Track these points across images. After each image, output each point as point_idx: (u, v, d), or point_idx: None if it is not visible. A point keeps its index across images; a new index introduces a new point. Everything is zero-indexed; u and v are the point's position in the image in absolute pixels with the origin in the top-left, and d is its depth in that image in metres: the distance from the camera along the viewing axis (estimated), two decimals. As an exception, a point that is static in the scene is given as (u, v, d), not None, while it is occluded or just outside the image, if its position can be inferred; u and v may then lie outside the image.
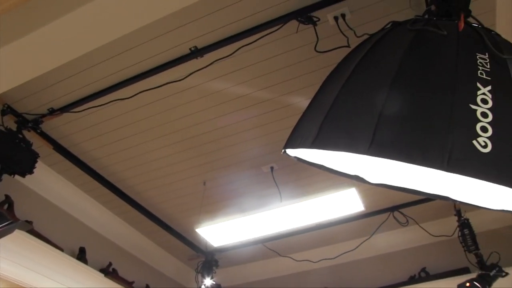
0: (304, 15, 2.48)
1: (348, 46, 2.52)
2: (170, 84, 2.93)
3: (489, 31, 1.32)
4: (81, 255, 3.74)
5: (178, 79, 2.90)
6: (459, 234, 3.63)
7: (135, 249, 4.61)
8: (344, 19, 2.53)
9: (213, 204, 4.08)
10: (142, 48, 2.73)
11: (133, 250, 4.59)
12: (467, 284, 3.53)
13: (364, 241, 4.50)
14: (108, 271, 3.90)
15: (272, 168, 3.71)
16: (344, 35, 2.53)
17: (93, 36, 2.50)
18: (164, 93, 3.05)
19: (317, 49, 2.61)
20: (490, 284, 3.52)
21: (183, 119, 3.28)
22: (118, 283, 3.94)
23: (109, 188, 3.85)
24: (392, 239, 4.64)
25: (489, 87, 1.09)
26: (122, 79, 2.93)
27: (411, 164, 0.99)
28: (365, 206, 3.46)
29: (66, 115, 3.16)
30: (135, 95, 2.99)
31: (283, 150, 1.30)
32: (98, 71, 2.87)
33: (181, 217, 4.32)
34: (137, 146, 3.50)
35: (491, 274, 3.51)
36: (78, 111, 3.11)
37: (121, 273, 4.05)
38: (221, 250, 4.35)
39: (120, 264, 4.15)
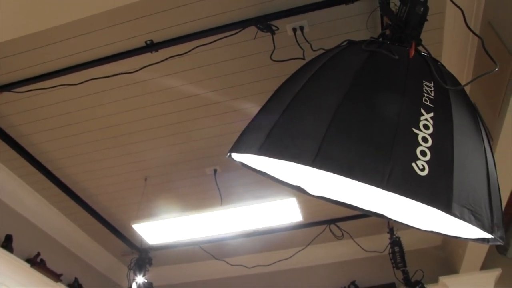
0: (263, 23, 2.51)
1: (303, 59, 2.56)
2: (122, 75, 2.86)
3: (436, 61, 1.39)
4: (6, 243, 3.55)
5: (130, 71, 2.84)
6: (390, 251, 3.78)
7: (67, 241, 4.45)
8: (302, 32, 2.58)
9: (152, 201, 4.02)
10: (97, 34, 2.64)
11: (64, 241, 4.42)
12: (393, 299, 3.67)
13: (299, 251, 4.58)
14: (35, 262, 3.72)
15: (215, 170, 3.70)
16: (301, 47, 2.58)
17: (44, 16, 2.39)
18: (114, 84, 2.98)
19: (272, 57, 2.64)
20: (413, 300, 3.69)
21: (129, 112, 3.21)
22: (45, 275, 3.78)
23: (45, 175, 3.69)
24: (326, 251, 4.74)
25: (431, 114, 1.14)
26: (72, 64, 2.83)
27: (352, 180, 1.02)
28: (304, 217, 3.52)
29: (6, 94, 3.00)
30: (84, 82, 2.90)
31: (228, 154, 1.30)
32: (47, 52, 2.75)
33: (118, 211, 4.22)
34: (79, 135, 3.39)
35: (414, 290, 3.68)
36: (20, 92, 2.97)
37: (49, 264, 3.88)
38: (156, 248, 4.28)
39: (49, 255, 3.98)
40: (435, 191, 1.04)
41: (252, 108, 3.09)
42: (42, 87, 2.93)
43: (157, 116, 3.24)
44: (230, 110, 3.19)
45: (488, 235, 1.20)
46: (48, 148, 3.50)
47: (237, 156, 1.32)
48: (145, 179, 3.81)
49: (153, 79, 2.96)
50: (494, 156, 1.33)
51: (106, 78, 2.88)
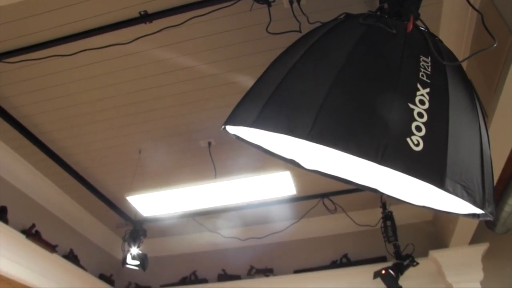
0: (260, -6, 2.47)
1: (300, 31, 2.53)
2: (115, 46, 2.82)
3: (434, 36, 1.37)
4: (1, 214, 3.56)
5: (123, 42, 2.80)
6: (382, 225, 3.82)
7: (62, 213, 4.47)
8: (299, 4, 2.54)
9: (146, 173, 4.02)
10: (90, 4, 2.59)
11: (59, 213, 4.44)
12: (383, 272, 3.74)
13: (293, 224, 4.63)
14: (30, 233, 3.74)
15: (209, 143, 3.70)
16: (297, 20, 2.54)
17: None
18: (107, 55, 2.94)
19: (268, 30, 2.60)
20: (402, 272, 3.76)
21: (123, 84, 3.18)
22: (41, 246, 3.81)
23: (39, 148, 3.68)
24: (319, 225, 4.80)
25: (427, 89, 1.14)
26: (64, 35, 2.78)
27: (347, 154, 1.02)
28: (297, 190, 3.54)
29: (-3, 64, 2.96)
30: (77, 53, 2.85)
31: (222, 127, 1.29)
32: (39, 21, 2.69)
33: (112, 183, 4.23)
34: (73, 107, 3.36)
35: (405, 263, 3.74)
36: (12, 62, 2.92)
37: (44, 236, 3.91)
38: (150, 220, 4.31)
39: (44, 227, 4.00)
40: (429, 167, 1.04)
41: (247, 81, 3.07)
42: (34, 58, 2.89)
43: (151, 88, 3.21)
44: (225, 83, 3.17)
45: (479, 211, 1.21)
46: (41, 120, 3.47)
47: (231, 129, 1.32)
48: (139, 152, 3.81)
49: (147, 51, 2.93)
50: (488, 133, 1.33)
51: (99, 49, 2.84)
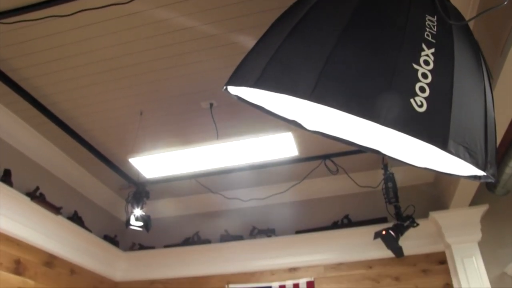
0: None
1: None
2: (114, 6, 2.76)
3: (440, -7, 1.34)
4: (5, 177, 3.59)
5: (122, 2, 2.74)
6: (383, 187, 3.85)
7: (65, 175, 4.51)
8: (301, -39, 2.46)
9: (148, 135, 4.03)
10: (86, -38, 2.53)
11: (62, 176, 4.48)
12: (383, 232, 3.79)
13: (294, 185, 4.67)
14: (35, 195, 3.79)
15: (211, 104, 3.69)
16: (300, -23, 2.47)
17: None
18: (106, 16, 2.88)
19: (270, -12, 2.54)
20: (402, 233, 3.82)
21: (122, 46, 3.14)
22: (45, 208, 3.86)
23: (39, 110, 3.67)
24: (320, 186, 4.83)
25: (432, 50, 1.11)
26: (62, -6, 2.72)
27: (349, 115, 1.01)
28: (299, 152, 3.55)
29: (-7, 25, 2.91)
30: (75, 13, 2.80)
31: (224, 87, 1.28)
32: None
33: (114, 146, 4.24)
34: (72, 69, 3.33)
35: (405, 224, 3.79)
36: (9, 23, 2.87)
37: (49, 198, 3.96)
38: (153, 182, 4.35)
39: (48, 189, 4.04)
40: (432, 128, 1.03)
41: (249, 42, 3.02)
42: (32, 19, 2.83)
43: (151, 49, 3.17)
44: (226, 43, 3.12)
45: (480, 172, 1.21)
46: (41, 83, 3.45)
47: (233, 90, 1.30)
48: (141, 113, 3.80)
49: (146, 11, 2.87)
50: (493, 95, 1.31)
51: (98, 10, 2.78)
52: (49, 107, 3.69)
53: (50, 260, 4.02)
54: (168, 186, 4.85)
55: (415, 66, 1.07)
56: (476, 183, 3.62)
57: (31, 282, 3.73)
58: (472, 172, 1.25)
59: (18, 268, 3.62)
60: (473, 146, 1.10)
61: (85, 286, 4.46)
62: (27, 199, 3.69)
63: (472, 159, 1.08)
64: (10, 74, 3.34)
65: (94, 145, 4.19)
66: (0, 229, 3.48)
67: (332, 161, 4.28)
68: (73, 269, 4.31)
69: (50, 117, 3.74)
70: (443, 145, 1.03)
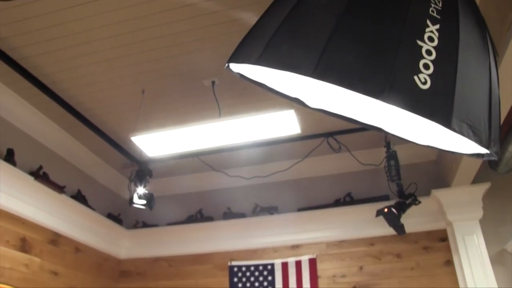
0: None
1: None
2: (114, -18, 2.72)
3: (445, -33, 1.31)
4: (8, 157, 3.60)
5: (122, -22, 2.70)
6: (386, 165, 3.85)
7: (68, 154, 4.52)
8: None
9: (150, 114, 4.02)
10: None
11: (65, 155, 4.49)
12: (385, 210, 3.81)
13: (297, 163, 4.67)
14: (38, 175, 3.80)
15: (213, 82, 3.66)
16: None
17: None
18: (106, -9, 2.84)
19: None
20: (404, 211, 3.83)
21: (124, 23, 3.10)
22: (49, 187, 3.88)
23: (41, 89, 3.64)
24: (323, 163, 4.84)
25: (437, 26, 1.10)
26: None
27: (352, 92, 1.00)
28: (302, 129, 3.54)
29: (-7, 2, 2.87)
30: (74, -11, 2.76)
31: (226, 65, 1.27)
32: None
33: (116, 124, 4.24)
34: (74, 47, 3.29)
35: (407, 202, 3.80)
36: (7, 0, 2.82)
37: (52, 177, 3.97)
38: (155, 160, 4.36)
39: (51, 168, 4.06)
40: (436, 105, 1.02)
41: (251, 18, 2.98)
42: (31, -6, 2.80)
43: (151, 27, 3.13)
44: (228, 20, 3.08)
45: (483, 150, 1.20)
46: (41, 61, 3.42)
47: (235, 67, 1.29)
48: (142, 92, 3.78)
49: (147, -13, 2.83)
50: (498, 72, 1.30)
51: (98, -15, 2.74)
52: (50, 86, 3.67)
53: (55, 238, 4.06)
54: (171, 164, 4.86)
55: (419, 42, 1.06)
56: (479, 161, 3.62)
57: (37, 260, 3.78)
58: (475, 150, 1.24)
59: (24, 246, 3.67)
60: (476, 124, 1.09)
61: (90, 264, 4.52)
62: (30, 178, 3.70)
63: (475, 136, 1.08)
64: (9, 53, 3.32)
65: (96, 124, 4.19)
66: (5, 208, 3.51)
67: (335, 139, 4.28)
68: (78, 247, 4.36)
69: (52, 96, 3.72)
70: (446, 122, 1.02)
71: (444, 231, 4.25)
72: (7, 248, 3.50)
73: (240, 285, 4.57)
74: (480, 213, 4.04)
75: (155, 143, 3.65)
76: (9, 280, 3.44)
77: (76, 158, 4.63)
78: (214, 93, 3.69)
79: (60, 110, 3.90)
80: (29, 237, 3.74)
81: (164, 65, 3.50)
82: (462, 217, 4.08)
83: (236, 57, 1.22)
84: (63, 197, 4.05)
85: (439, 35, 1.09)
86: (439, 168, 4.54)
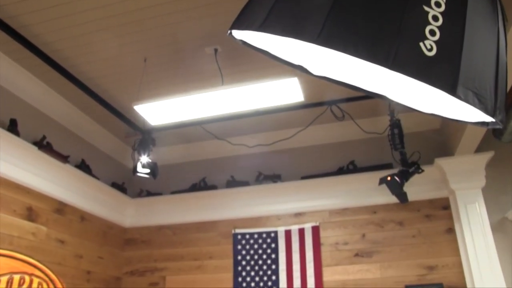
0: None
1: None
2: None
3: None
4: (12, 127, 3.60)
5: None
6: (389, 133, 3.84)
7: (71, 124, 4.52)
8: None
9: (152, 82, 3.99)
10: None
11: (68, 124, 4.49)
12: (388, 178, 3.82)
13: (300, 131, 4.66)
14: (42, 144, 3.81)
15: (216, 50, 3.62)
16: None
17: None
18: (106, -44, 2.78)
19: None
20: (407, 179, 3.84)
21: (125, -11, 3.04)
22: (53, 157, 3.90)
23: (41, 58, 3.60)
24: (326, 132, 4.83)
25: (444, -10, 1.07)
26: None
27: (356, 59, 0.99)
28: (305, 97, 3.52)
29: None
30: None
31: (229, 32, 1.24)
32: None
33: (119, 93, 4.22)
34: (74, 15, 3.24)
35: (410, 170, 3.81)
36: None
37: (56, 147, 3.99)
38: (158, 129, 4.35)
39: (54, 138, 4.07)
40: (441, 72, 1.00)
41: (254, -15, 2.92)
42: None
43: (153, -7, 3.08)
44: (231, -13, 3.02)
45: (488, 119, 1.19)
46: (41, 30, 3.37)
47: (238, 34, 1.26)
48: (145, 60, 3.75)
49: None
50: (507, 39, 1.27)
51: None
52: (51, 55, 3.63)
53: (61, 207, 4.10)
54: (174, 133, 4.86)
55: (426, 8, 1.03)
56: (483, 130, 3.60)
57: (43, 228, 3.84)
58: (480, 118, 1.23)
59: (30, 215, 3.71)
60: (482, 92, 1.07)
61: (95, 232, 4.58)
62: (34, 148, 3.72)
63: (481, 104, 1.06)
64: (8, 21, 3.26)
65: (99, 93, 4.16)
66: (10, 178, 3.54)
67: (338, 107, 4.25)
68: (83, 216, 4.42)
69: (53, 65, 3.69)
70: (451, 90, 1.01)
71: (446, 200, 4.27)
72: (14, 217, 3.55)
73: (244, 252, 4.64)
74: (482, 182, 4.05)
75: (158, 111, 3.64)
76: (18, 248, 3.51)
77: (79, 128, 4.63)
78: (216, 61, 3.66)
79: (62, 79, 3.87)
80: (35, 206, 3.78)
81: (165, 33, 3.46)
82: (464, 186, 4.09)
83: (239, 24, 1.19)
84: (67, 166, 4.07)
85: (445, 0, 1.06)
86: (442, 136, 4.53)
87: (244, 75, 3.78)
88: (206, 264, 4.76)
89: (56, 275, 3.81)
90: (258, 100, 3.49)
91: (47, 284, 3.71)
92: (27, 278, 3.51)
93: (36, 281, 3.59)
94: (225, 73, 3.69)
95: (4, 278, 3.31)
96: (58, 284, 3.82)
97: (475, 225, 3.97)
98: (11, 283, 3.36)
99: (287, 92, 3.37)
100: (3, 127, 3.49)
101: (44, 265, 3.70)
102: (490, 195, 4.11)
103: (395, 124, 3.83)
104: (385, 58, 0.95)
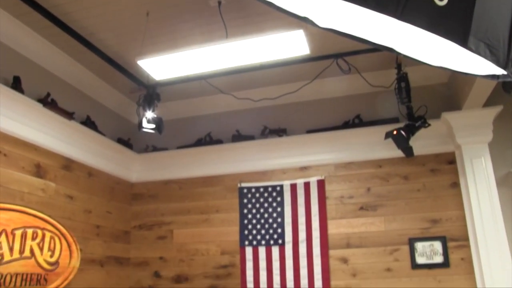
0: None
1: None
2: None
3: None
4: (15, 84, 3.57)
5: None
6: (396, 87, 3.79)
7: (75, 81, 4.49)
8: None
9: (156, 37, 3.92)
10: None
11: (72, 81, 4.46)
12: (394, 132, 3.81)
13: (306, 84, 4.62)
14: (47, 102, 3.79)
15: (219, 2, 3.54)
16: None
17: None
18: None
19: None
20: (413, 133, 3.83)
21: None
22: (58, 114, 3.89)
23: (42, 14, 3.51)
24: (332, 85, 4.78)
25: None
26: None
27: (364, 9, 0.95)
28: (311, 50, 3.45)
29: None
30: None
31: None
32: None
33: (122, 48, 4.16)
34: (73, -36, 3.15)
35: (416, 124, 3.79)
36: None
37: (60, 104, 3.97)
38: (163, 84, 4.32)
39: (59, 95, 4.05)
40: (453, 23, 0.97)
41: None
42: None
43: None
44: None
45: (499, 71, 1.16)
46: (41, -18, 3.29)
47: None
48: (147, 14, 3.66)
49: None
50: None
51: None
52: (51, 10, 3.54)
53: (68, 164, 4.14)
54: (179, 88, 4.82)
55: (438, -46, 0.99)
56: (492, 84, 3.54)
57: (52, 185, 3.89)
58: (491, 70, 1.20)
59: (38, 171, 3.75)
60: (495, 43, 1.04)
61: (103, 188, 4.64)
62: (39, 105, 3.70)
63: (492, 56, 1.03)
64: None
65: (101, 48, 4.10)
66: (17, 135, 3.55)
67: (344, 60, 4.17)
68: (91, 172, 4.46)
69: (54, 20, 3.60)
70: (462, 41, 0.97)
71: (452, 154, 4.26)
72: (23, 173, 3.59)
73: (249, 206, 4.70)
74: (489, 137, 4.02)
75: (162, 66, 3.60)
76: (29, 204, 3.57)
77: (83, 84, 4.60)
78: (220, 14, 3.57)
79: (63, 35, 3.80)
80: (43, 163, 3.81)
81: (167, -15, 3.36)
82: (471, 140, 4.07)
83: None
84: (72, 123, 4.07)
85: None
86: (450, 90, 4.46)
87: (248, 28, 3.70)
88: (213, 218, 4.84)
89: (66, 230, 3.90)
90: (263, 53, 3.43)
91: (59, 238, 3.79)
92: (39, 232, 3.60)
93: (48, 235, 3.68)
94: (229, 26, 3.62)
95: (18, 232, 3.39)
96: (69, 238, 3.91)
97: (480, 180, 3.98)
98: (25, 237, 3.45)
99: (292, 45, 3.30)
100: (7, 85, 3.46)
101: (55, 220, 3.78)
102: (497, 149, 4.10)
103: (402, 78, 3.78)
104: (395, 8, 0.92)
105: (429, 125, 3.82)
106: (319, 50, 4.04)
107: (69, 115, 4.00)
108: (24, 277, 3.39)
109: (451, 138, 4.22)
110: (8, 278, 3.25)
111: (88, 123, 4.43)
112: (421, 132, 3.90)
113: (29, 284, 3.43)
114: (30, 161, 3.68)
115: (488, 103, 3.94)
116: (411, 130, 3.82)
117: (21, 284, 3.35)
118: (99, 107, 4.88)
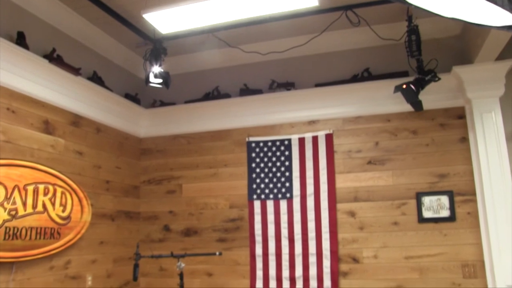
0: None
1: None
2: None
3: None
4: (20, 40, 3.52)
5: None
6: (406, 39, 3.70)
7: (81, 36, 4.42)
8: None
9: (161, -11, 3.83)
10: None
11: (78, 36, 4.40)
12: (403, 86, 3.76)
13: (314, 37, 4.53)
14: (53, 57, 3.75)
15: (226, -47, 3.42)
16: None
17: None
18: None
19: None
20: (423, 87, 3.78)
21: None
22: (64, 69, 3.86)
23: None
24: (341, 38, 4.69)
25: None
26: None
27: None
28: (320, 2, 3.36)
29: None
30: None
31: None
32: None
33: (127, 2, 4.07)
34: None
35: (426, 78, 3.73)
36: None
37: (66, 60, 3.93)
38: (169, 38, 4.25)
39: (65, 51, 4.01)
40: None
41: None
42: None
43: None
44: None
45: (515, 22, 1.12)
46: None
47: None
48: (151, -36, 3.57)
49: None
50: None
51: None
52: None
53: (76, 120, 4.15)
54: (185, 42, 4.76)
55: None
56: (507, 36, 3.45)
57: (61, 141, 3.92)
58: (507, 21, 1.16)
59: (47, 128, 3.77)
60: (512, -9, 1.00)
61: (111, 143, 4.67)
62: (45, 62, 3.67)
63: (510, 5, 0.99)
64: None
65: (106, 2, 4.01)
66: (24, 92, 3.54)
67: (354, 12, 4.07)
68: (99, 128, 4.48)
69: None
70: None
71: (462, 109, 4.22)
72: (32, 130, 3.61)
73: (258, 160, 4.73)
74: (501, 91, 3.96)
75: (168, 19, 3.54)
76: (39, 160, 3.61)
77: (89, 39, 4.54)
78: (226, -36, 3.47)
79: (67, -13, 3.73)
80: (51, 120, 3.83)
81: None
82: (482, 94, 4.01)
83: None
84: (79, 79, 4.05)
85: None
86: (462, 43, 4.36)
87: (255, -21, 3.60)
88: (221, 172, 4.89)
89: (77, 185, 3.96)
90: (271, 5, 3.35)
91: (70, 194, 3.86)
92: (50, 187, 3.66)
93: (59, 190, 3.74)
94: (236, -23, 3.52)
95: (30, 188, 3.45)
96: (80, 193, 3.98)
97: (489, 134, 3.95)
98: (37, 192, 3.51)
99: (301, -4, 3.22)
100: (11, 41, 3.43)
101: (65, 175, 3.83)
102: (507, 104, 4.05)
103: (413, 30, 3.68)
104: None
105: (439, 79, 3.75)
106: (328, 2, 3.94)
107: (75, 70, 3.98)
108: (38, 230, 3.48)
109: (461, 92, 4.16)
110: (23, 231, 3.34)
111: (95, 78, 4.40)
112: (431, 86, 3.84)
113: (43, 238, 3.53)
114: (39, 117, 3.69)
115: (501, 56, 3.85)
116: (420, 84, 3.76)
117: (36, 238, 3.45)
118: (105, 62, 4.84)
